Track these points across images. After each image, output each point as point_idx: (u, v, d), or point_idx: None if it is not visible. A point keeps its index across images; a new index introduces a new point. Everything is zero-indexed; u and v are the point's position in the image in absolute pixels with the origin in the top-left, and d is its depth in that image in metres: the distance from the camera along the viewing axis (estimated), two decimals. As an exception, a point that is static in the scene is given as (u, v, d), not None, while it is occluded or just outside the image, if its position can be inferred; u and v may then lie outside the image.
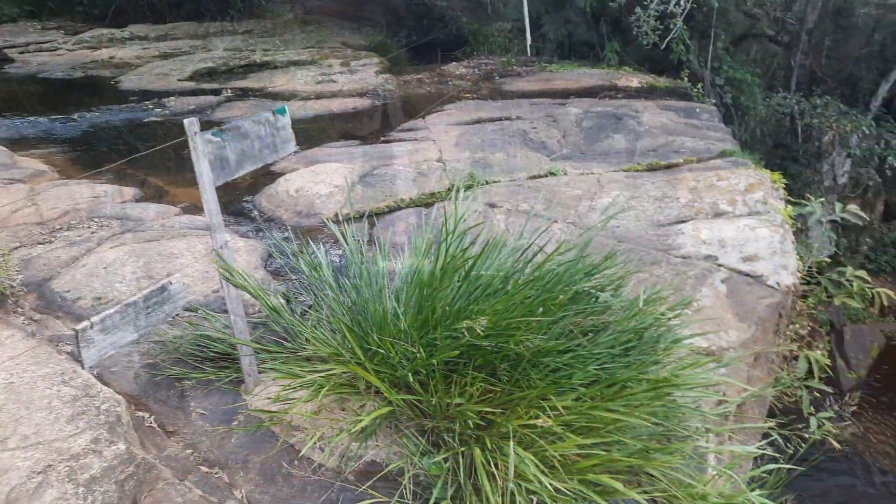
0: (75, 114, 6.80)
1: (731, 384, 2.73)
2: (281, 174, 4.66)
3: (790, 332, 3.80)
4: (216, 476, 2.20)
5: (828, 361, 4.20)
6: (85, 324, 2.02)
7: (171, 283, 2.28)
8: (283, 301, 2.86)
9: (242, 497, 2.14)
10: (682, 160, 5.22)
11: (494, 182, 4.70)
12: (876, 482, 5.51)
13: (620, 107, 6.62)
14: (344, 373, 2.28)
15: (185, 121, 2.22)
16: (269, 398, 2.32)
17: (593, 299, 2.68)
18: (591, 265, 2.66)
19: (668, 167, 5.10)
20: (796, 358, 4.16)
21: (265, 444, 2.30)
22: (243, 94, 7.59)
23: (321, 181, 4.38)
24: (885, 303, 4.52)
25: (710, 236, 3.80)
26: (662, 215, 4.13)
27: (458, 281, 2.51)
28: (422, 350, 2.15)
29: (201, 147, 2.25)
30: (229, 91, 7.66)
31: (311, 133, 5.88)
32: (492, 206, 4.19)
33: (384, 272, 2.83)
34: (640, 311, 2.60)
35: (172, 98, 7.34)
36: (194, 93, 7.63)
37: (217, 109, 6.85)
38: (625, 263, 2.95)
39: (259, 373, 2.56)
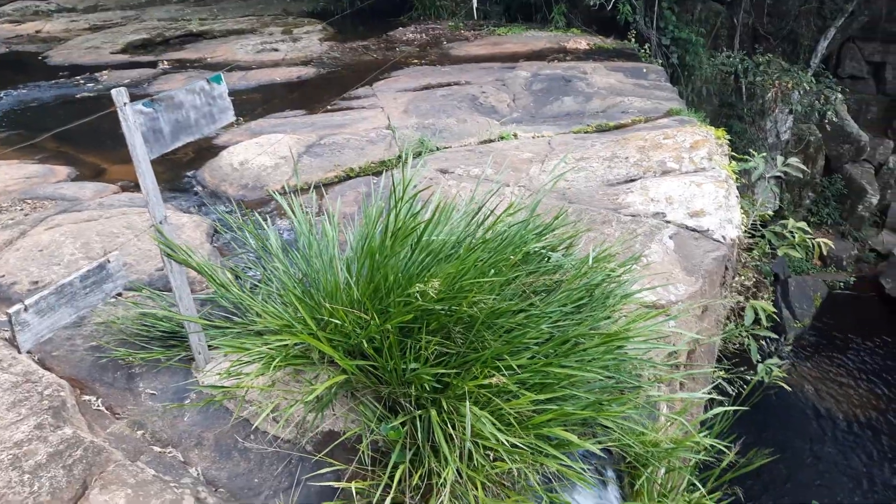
0: (1, 92, 6.43)
1: (681, 335, 2.80)
2: (224, 147, 4.51)
3: (736, 283, 3.93)
4: (170, 455, 2.15)
5: (773, 310, 4.36)
6: (18, 307, 1.92)
7: (109, 261, 2.19)
8: (230, 276, 2.79)
9: (198, 474, 2.11)
10: (630, 120, 5.27)
11: (445, 148, 4.66)
12: (818, 421, 5.81)
13: (569, 69, 6.62)
14: (297, 344, 2.25)
15: (113, 91, 2.10)
16: (220, 374, 2.27)
17: (545, 259, 2.70)
18: (541, 225, 2.68)
19: (617, 127, 5.14)
20: (743, 309, 4.31)
21: (219, 421, 2.26)
22: (181, 65, 7.29)
23: (266, 153, 4.26)
24: (825, 252, 4.72)
25: (658, 194, 3.86)
26: (612, 175, 4.17)
27: (411, 247, 2.49)
28: (375, 316, 2.13)
29: (132, 118, 2.15)
30: (166, 63, 7.34)
31: (255, 104, 5.70)
32: (443, 171, 4.15)
33: (334, 242, 2.79)
34: (591, 269, 2.63)
35: (105, 72, 7.00)
36: (129, 66, 7.29)
37: (154, 82, 6.57)
38: (575, 223, 2.97)
39: (210, 349, 2.50)
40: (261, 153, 4.25)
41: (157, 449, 2.16)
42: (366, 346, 2.08)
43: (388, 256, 2.34)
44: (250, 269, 3.11)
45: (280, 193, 3.70)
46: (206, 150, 4.65)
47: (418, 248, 2.50)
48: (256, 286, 2.82)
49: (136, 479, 1.98)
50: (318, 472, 2.04)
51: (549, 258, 2.65)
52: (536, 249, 2.56)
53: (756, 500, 2.79)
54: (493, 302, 2.24)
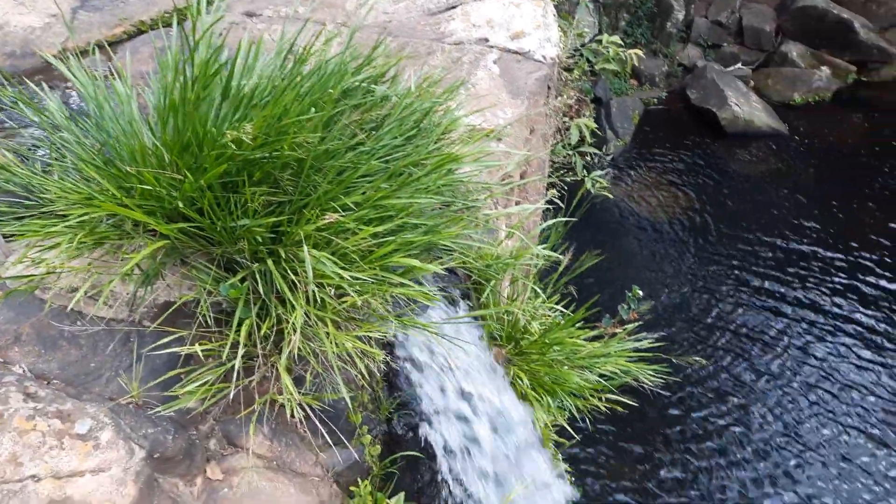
0: None
1: (511, 153, 2.89)
2: (-27, 9, 3.71)
3: (560, 103, 4.08)
4: (-17, 359, 1.93)
5: (595, 126, 4.64)
6: None
7: None
8: (12, 157, 2.40)
9: (24, 371, 1.93)
10: (446, -56, 5.00)
11: (249, -11, 4.18)
12: (638, 224, 6.54)
13: None
14: (108, 216, 2.03)
15: None
16: (23, 262, 2.01)
17: (370, 93, 2.59)
18: (360, 56, 2.53)
19: (433, -47, 4.87)
20: (568, 128, 4.54)
21: (36, 313, 2.05)
22: None
23: (31, 10, 3.57)
24: (637, 63, 5.01)
25: (480, 18, 3.78)
26: (432, 3, 4.00)
27: (220, 95, 2.27)
28: (189, 175, 1.95)
29: None
30: None
31: (4, -47, 4.66)
32: (250, 15, 3.75)
33: (131, 102, 2.46)
34: (418, 99, 2.57)
35: None
36: None
37: None
38: (397, 53, 2.85)
39: (6, 240, 2.19)
40: (23, 12, 3.54)
41: (-35, 356, 1.93)
42: (182, 206, 1.92)
43: (196, 106, 2.11)
44: (38, 147, 2.69)
45: (58, 58, 3.16)
46: (-51, 16, 3.80)
47: (229, 97, 2.28)
48: (49, 165, 2.47)
49: (-55, 390, 1.77)
50: (160, 342, 1.95)
51: (374, 92, 2.54)
52: (358, 83, 2.44)
53: (589, 294, 3.12)
54: (318, 143, 2.14)
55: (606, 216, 6.26)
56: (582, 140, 4.59)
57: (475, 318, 2.61)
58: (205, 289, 2.01)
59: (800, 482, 4.15)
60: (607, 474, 4.08)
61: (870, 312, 5.52)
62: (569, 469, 3.10)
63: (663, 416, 4.48)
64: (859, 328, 5.37)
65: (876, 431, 4.51)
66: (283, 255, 1.99)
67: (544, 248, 2.95)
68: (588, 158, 4.67)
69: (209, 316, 1.97)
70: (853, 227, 6.67)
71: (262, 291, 2.00)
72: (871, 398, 4.75)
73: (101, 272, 2.05)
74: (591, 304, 3.09)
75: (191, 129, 2.11)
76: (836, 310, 5.54)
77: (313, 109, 2.18)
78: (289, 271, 1.97)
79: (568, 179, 4.02)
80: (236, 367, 1.86)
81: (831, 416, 4.60)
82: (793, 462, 4.28)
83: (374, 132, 2.49)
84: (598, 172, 4.48)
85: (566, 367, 2.93)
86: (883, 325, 5.39)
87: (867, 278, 5.93)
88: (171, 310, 1.96)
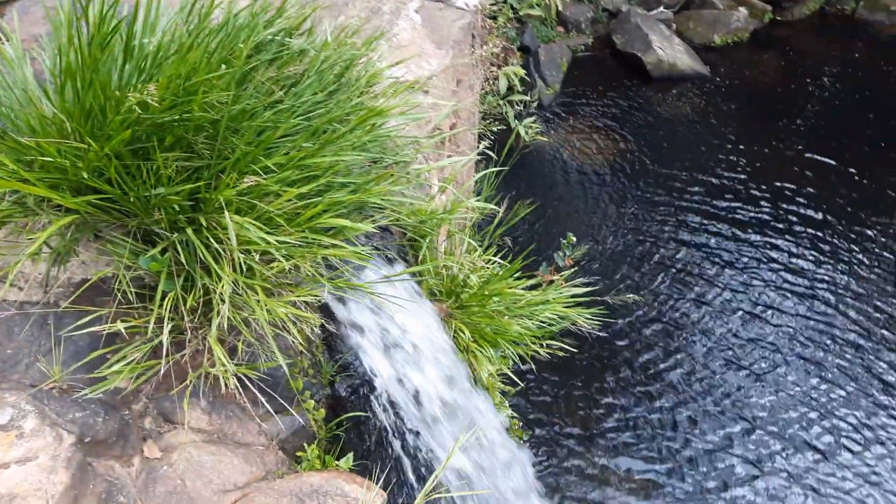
0: None
1: (439, 105, 2.84)
2: None
3: (486, 52, 4.02)
4: None
5: (524, 73, 4.61)
6: None
7: None
8: None
9: (-71, 367, 1.79)
10: None
11: (149, -59, 3.88)
12: (569, 171, 6.61)
13: None
14: (9, 193, 1.89)
15: None
16: (-87, 251, 1.85)
17: (284, 47, 2.46)
18: (271, 7, 2.39)
19: None
20: (497, 77, 4.49)
21: (-64, 304, 1.90)
22: None
23: None
24: (561, 8, 4.97)
25: (398, -34, 3.64)
26: (348, -48, 3.83)
27: (123, 55, 2.11)
28: (93, 143, 1.82)
29: None
30: None
31: None
32: (152, -31, 3.49)
33: (23, 65, 2.27)
34: (337, 51, 2.47)
35: None
36: None
37: None
38: (312, 3, 2.72)
39: None
40: None
41: None
42: (88, 177, 1.79)
43: (93, 69, 1.95)
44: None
45: (-64, 23, 2.87)
46: None
47: (132, 57, 2.12)
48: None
49: None
50: (79, 322, 1.84)
51: (290, 45, 2.42)
52: (271, 36, 2.32)
53: (526, 244, 3.14)
54: (232, 102, 2.02)
55: (538, 165, 6.30)
56: (511, 89, 4.55)
57: (413, 274, 2.59)
58: (123, 263, 1.90)
59: (742, 409, 4.39)
60: (552, 417, 4.20)
61: (794, 239, 5.83)
62: (514, 414, 3.17)
63: (604, 356, 4.63)
64: (786, 254, 5.68)
65: (808, 352, 4.81)
66: (205, 223, 1.90)
67: (479, 201, 2.93)
68: (518, 107, 4.65)
69: (130, 291, 1.87)
70: (775, 161, 6.95)
71: (186, 262, 1.91)
72: (802, 318, 5.05)
73: (7, 253, 1.92)
74: (528, 253, 3.12)
75: (91, 94, 1.96)
76: (763, 239, 5.82)
77: (224, 66, 2.05)
78: (211, 239, 1.88)
79: (495, 129, 3.99)
80: (164, 342, 1.79)
81: (767, 341, 4.86)
82: (734, 390, 4.52)
83: (292, 88, 2.38)
84: (530, 120, 4.46)
85: (507, 317, 2.96)
86: (805, 249, 5.72)
87: (790, 207, 6.24)
88: (85, 287, 1.85)
